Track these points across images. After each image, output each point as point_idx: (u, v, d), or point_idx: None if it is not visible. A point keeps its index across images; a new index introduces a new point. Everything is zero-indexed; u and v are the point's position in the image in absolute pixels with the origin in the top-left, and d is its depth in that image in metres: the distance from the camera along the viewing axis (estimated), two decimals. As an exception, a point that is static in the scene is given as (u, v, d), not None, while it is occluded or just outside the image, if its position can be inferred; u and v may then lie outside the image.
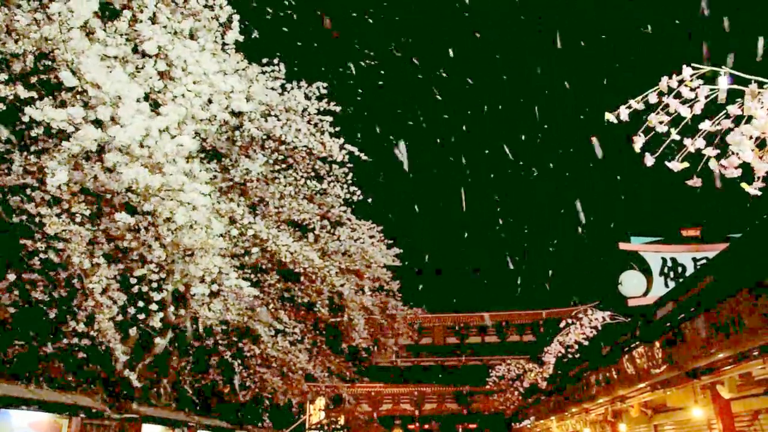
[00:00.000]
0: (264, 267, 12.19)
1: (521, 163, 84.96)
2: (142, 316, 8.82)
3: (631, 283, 16.19)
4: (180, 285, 8.91)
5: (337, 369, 16.83)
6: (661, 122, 3.17)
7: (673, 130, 3.18)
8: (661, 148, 3.20)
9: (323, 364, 15.56)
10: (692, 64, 3.17)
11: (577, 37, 77.14)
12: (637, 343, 7.22)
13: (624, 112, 3.22)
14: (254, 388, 14.61)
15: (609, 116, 3.23)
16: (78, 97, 6.71)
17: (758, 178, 3.06)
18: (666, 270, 16.14)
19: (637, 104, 3.22)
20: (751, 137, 3.00)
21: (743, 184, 3.09)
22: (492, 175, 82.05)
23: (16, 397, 7.40)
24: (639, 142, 3.21)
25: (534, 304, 41.41)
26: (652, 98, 3.22)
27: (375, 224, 13.90)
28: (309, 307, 14.02)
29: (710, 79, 3.13)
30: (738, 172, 3.10)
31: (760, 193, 3.09)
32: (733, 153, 3.08)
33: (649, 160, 3.23)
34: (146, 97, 6.68)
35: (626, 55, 73.15)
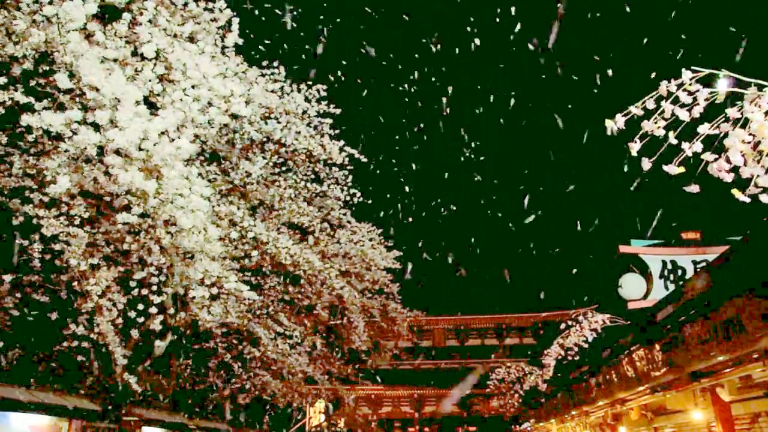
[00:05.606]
0: (264, 270, 12.18)
1: (520, 164, 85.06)
2: (142, 319, 8.81)
3: (631, 286, 16.18)
4: (180, 288, 8.90)
5: (337, 371, 16.82)
6: (658, 126, 3.16)
7: (671, 134, 3.17)
8: (658, 152, 3.18)
9: (323, 367, 15.55)
10: (692, 67, 3.16)
11: (583, 38, 77.27)
12: (637, 345, 7.21)
13: (620, 120, 3.21)
14: (254, 391, 14.58)
15: (609, 123, 3.22)
16: (77, 99, 6.70)
17: (753, 182, 3.04)
18: (666, 272, 16.12)
19: (636, 109, 3.21)
20: (743, 141, 2.98)
21: (734, 191, 3.07)
22: (491, 176, 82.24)
23: (17, 399, 7.38)
24: (635, 146, 3.20)
25: (534, 307, 41.39)
26: (652, 103, 3.20)
27: (375, 226, 13.93)
28: (309, 310, 14.02)
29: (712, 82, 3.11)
30: (730, 176, 3.09)
31: (749, 200, 3.06)
32: (720, 156, 3.06)
33: (646, 164, 3.22)
34: (145, 100, 6.67)
35: (630, 58, 73.26)
